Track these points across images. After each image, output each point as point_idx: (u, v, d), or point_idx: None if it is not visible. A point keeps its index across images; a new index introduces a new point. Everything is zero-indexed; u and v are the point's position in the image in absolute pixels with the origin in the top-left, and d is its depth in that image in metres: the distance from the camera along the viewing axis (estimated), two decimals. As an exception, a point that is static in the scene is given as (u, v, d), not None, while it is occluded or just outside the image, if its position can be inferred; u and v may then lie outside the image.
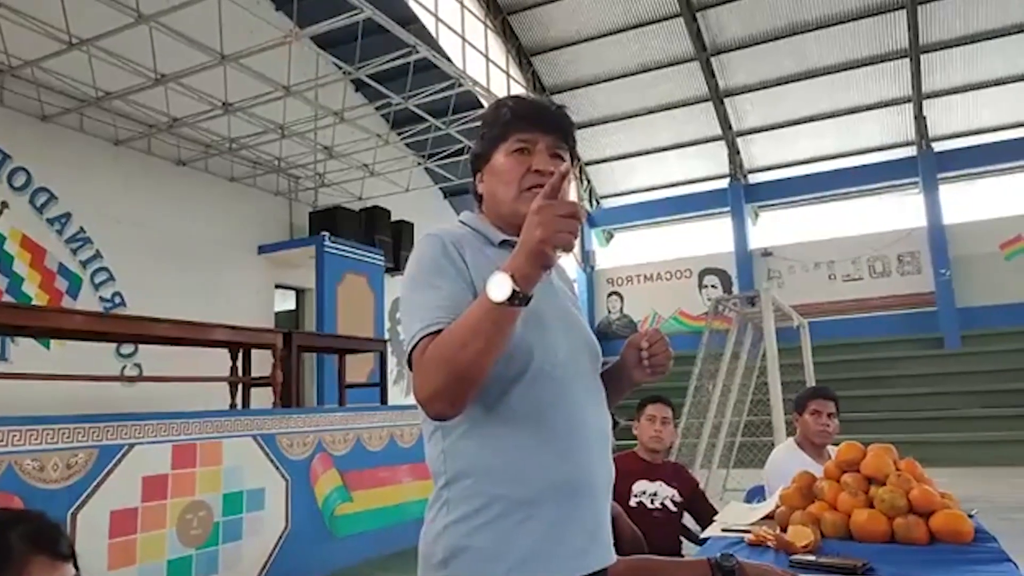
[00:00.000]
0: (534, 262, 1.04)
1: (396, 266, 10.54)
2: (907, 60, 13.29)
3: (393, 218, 10.85)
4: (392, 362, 10.24)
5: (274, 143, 9.09)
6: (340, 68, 8.07)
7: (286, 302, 10.34)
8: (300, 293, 10.33)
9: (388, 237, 10.62)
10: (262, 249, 9.52)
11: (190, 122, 8.03)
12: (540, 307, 1.20)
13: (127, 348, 7.54)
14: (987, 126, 13.93)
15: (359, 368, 8.37)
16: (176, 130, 8.15)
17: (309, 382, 8.95)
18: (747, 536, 1.85)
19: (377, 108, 9.79)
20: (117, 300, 7.77)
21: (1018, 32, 12.51)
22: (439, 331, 1.11)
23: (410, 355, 1.15)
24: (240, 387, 5.73)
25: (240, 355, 5.63)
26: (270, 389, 5.40)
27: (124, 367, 7.57)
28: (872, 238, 14.58)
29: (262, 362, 5.73)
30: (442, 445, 1.21)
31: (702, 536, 2.19)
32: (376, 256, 10.06)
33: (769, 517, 2.02)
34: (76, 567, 0.96)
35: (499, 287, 1.03)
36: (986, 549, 1.65)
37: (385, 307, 10.40)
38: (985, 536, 1.77)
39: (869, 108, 14.28)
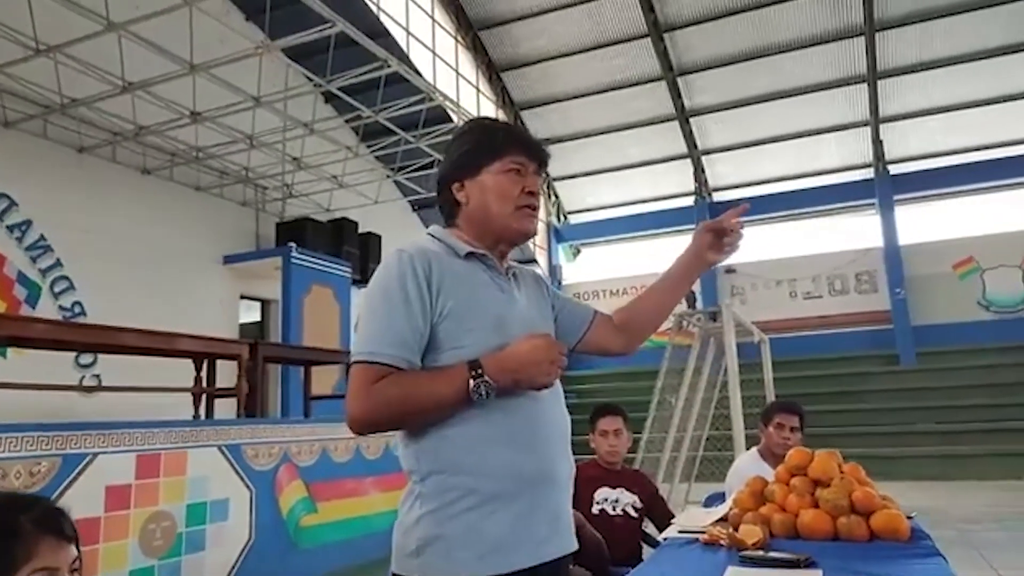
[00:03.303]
0: (514, 385, 1.25)
1: (363, 278, 10.53)
2: (865, 85, 13.75)
3: (361, 230, 10.85)
4: (358, 374, 10.18)
5: (242, 153, 9.06)
6: (311, 80, 8.10)
7: (251, 314, 10.25)
8: (265, 304, 10.26)
9: (355, 249, 10.61)
10: (227, 259, 9.45)
11: (157, 130, 7.98)
12: (505, 320, 1.33)
13: (86, 358, 7.42)
14: (941, 150, 14.44)
15: (324, 381, 8.32)
16: (142, 138, 8.09)
17: (273, 394, 8.88)
18: (702, 536, 1.94)
19: (347, 120, 9.82)
20: (77, 309, 7.64)
21: (971, 60, 13.03)
22: (388, 365, 1.24)
23: (353, 365, 1.28)
24: (204, 398, 5.68)
25: (205, 366, 5.59)
26: (234, 401, 5.37)
27: (83, 378, 7.44)
28: (832, 257, 14.99)
29: (225, 374, 5.69)
30: (415, 444, 1.30)
31: (660, 536, 2.28)
32: (343, 268, 10.05)
33: (724, 519, 2.11)
34: (78, 549, 1.02)
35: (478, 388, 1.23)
36: (920, 546, 1.77)
37: (351, 319, 10.36)
38: (921, 535, 1.88)
39: (829, 131, 14.72)
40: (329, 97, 9.74)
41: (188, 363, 5.54)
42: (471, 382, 1.22)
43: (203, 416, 5.57)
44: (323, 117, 9.36)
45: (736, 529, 1.89)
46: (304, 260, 9.30)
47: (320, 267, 9.59)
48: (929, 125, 14.23)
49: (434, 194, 1.52)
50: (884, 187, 14.44)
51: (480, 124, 1.49)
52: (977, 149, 14.16)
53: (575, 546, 1.36)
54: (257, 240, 10.05)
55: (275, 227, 10.06)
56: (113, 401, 6.95)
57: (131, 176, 8.41)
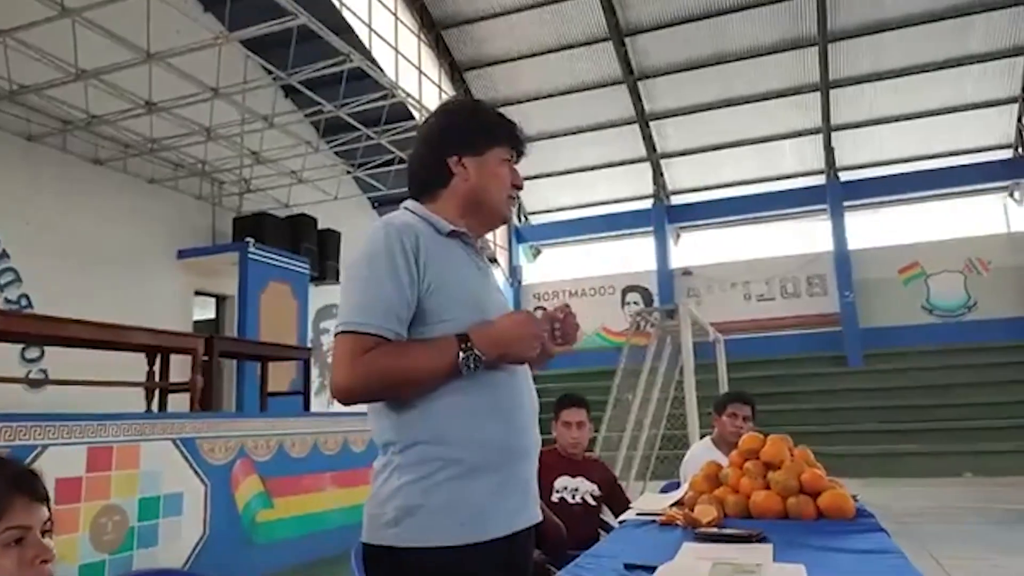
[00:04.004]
0: (500, 358, 1.30)
1: (321, 275, 10.43)
2: (818, 94, 14.12)
3: (320, 226, 10.74)
4: (315, 372, 10.10)
5: (199, 146, 8.89)
6: (270, 73, 8.00)
7: (206, 311, 10.06)
8: (221, 300, 10.08)
9: (314, 245, 10.48)
10: (182, 254, 9.25)
11: (110, 120, 7.79)
12: (483, 298, 1.37)
13: (32, 352, 7.21)
14: (890, 158, 14.92)
15: (280, 378, 8.22)
16: (94, 128, 7.89)
17: (228, 390, 8.74)
18: (659, 518, 2.00)
19: (307, 115, 9.72)
20: (23, 303, 7.41)
21: (919, 72, 13.49)
22: (377, 336, 1.24)
23: (341, 334, 1.28)
24: (157, 393, 5.58)
25: (158, 360, 5.49)
26: (186, 398, 5.27)
27: (29, 372, 7.22)
28: (785, 260, 15.36)
29: (178, 370, 5.59)
30: (393, 416, 1.30)
31: (619, 520, 2.34)
32: (301, 264, 9.92)
33: (680, 503, 2.18)
34: (49, 510, 1.02)
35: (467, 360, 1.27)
36: (864, 523, 1.86)
37: (309, 316, 10.25)
38: (865, 513, 1.98)
39: (783, 137, 15.09)
40: (289, 91, 9.61)
41: (140, 361, 5.43)
42: (461, 354, 1.25)
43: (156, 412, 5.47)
44: (283, 111, 9.24)
45: (692, 510, 1.95)
46: (262, 256, 9.15)
47: (278, 263, 9.45)
48: (878, 134, 14.69)
49: (395, 191, 1.54)
50: (835, 193, 14.85)
51: (481, 105, 1.52)
52: (923, 158, 14.67)
53: (540, 516, 1.40)
54: (213, 235, 9.86)
55: (232, 222, 9.90)
56: (61, 397, 6.76)
57: (82, 167, 8.18)
